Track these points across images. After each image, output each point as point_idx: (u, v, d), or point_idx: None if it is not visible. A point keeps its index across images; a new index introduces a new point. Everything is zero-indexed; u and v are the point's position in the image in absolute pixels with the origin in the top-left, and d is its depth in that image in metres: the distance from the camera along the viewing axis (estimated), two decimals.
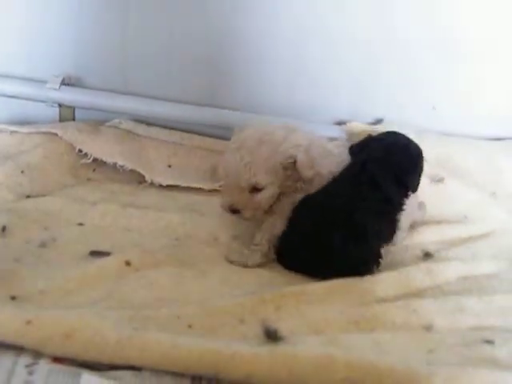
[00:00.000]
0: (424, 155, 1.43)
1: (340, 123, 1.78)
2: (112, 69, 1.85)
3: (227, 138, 1.80)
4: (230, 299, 1.09)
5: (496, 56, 1.75)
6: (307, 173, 1.35)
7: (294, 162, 1.34)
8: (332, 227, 1.26)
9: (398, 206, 1.37)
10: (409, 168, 1.40)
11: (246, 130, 1.40)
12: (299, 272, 1.29)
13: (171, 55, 1.82)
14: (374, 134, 1.50)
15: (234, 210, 1.36)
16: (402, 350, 0.98)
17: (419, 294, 1.20)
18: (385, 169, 1.36)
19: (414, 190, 1.41)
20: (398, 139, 1.45)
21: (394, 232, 1.38)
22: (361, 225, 1.27)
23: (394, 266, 1.33)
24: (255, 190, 1.34)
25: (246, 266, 1.32)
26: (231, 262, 1.32)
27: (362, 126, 1.73)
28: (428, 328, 1.07)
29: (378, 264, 1.29)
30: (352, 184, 1.35)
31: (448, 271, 1.29)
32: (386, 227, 1.36)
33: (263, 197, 1.35)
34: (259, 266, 1.33)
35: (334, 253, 1.24)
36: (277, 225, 1.37)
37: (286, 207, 1.37)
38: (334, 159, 1.44)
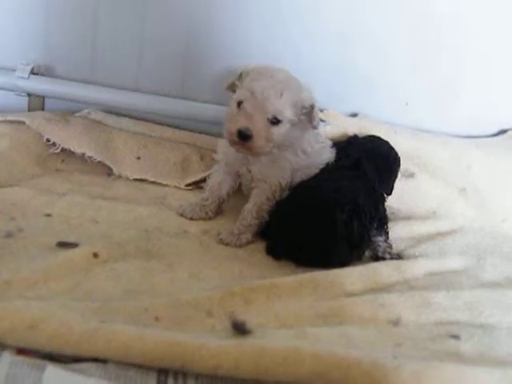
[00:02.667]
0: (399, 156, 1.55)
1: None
2: (82, 58, 1.83)
3: (198, 131, 1.80)
4: (198, 292, 1.08)
5: (471, 55, 1.77)
6: (317, 123, 1.39)
7: (311, 110, 1.37)
8: (337, 206, 1.29)
9: (382, 197, 1.46)
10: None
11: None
12: (290, 258, 1.32)
13: (143, 45, 1.80)
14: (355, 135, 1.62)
15: (245, 137, 1.29)
16: (369, 343, 0.99)
17: (387, 288, 1.22)
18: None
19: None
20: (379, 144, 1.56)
21: (386, 224, 1.44)
22: (362, 206, 1.32)
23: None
24: (273, 121, 1.33)
25: (240, 245, 1.38)
26: (226, 244, 1.37)
27: (338, 115, 1.73)
28: (395, 322, 1.08)
29: (363, 251, 1.36)
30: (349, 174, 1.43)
31: (416, 266, 1.31)
32: (380, 214, 1.42)
33: (279, 131, 1.34)
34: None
35: (339, 228, 1.28)
36: (263, 206, 1.40)
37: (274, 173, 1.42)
38: (322, 151, 1.50)
